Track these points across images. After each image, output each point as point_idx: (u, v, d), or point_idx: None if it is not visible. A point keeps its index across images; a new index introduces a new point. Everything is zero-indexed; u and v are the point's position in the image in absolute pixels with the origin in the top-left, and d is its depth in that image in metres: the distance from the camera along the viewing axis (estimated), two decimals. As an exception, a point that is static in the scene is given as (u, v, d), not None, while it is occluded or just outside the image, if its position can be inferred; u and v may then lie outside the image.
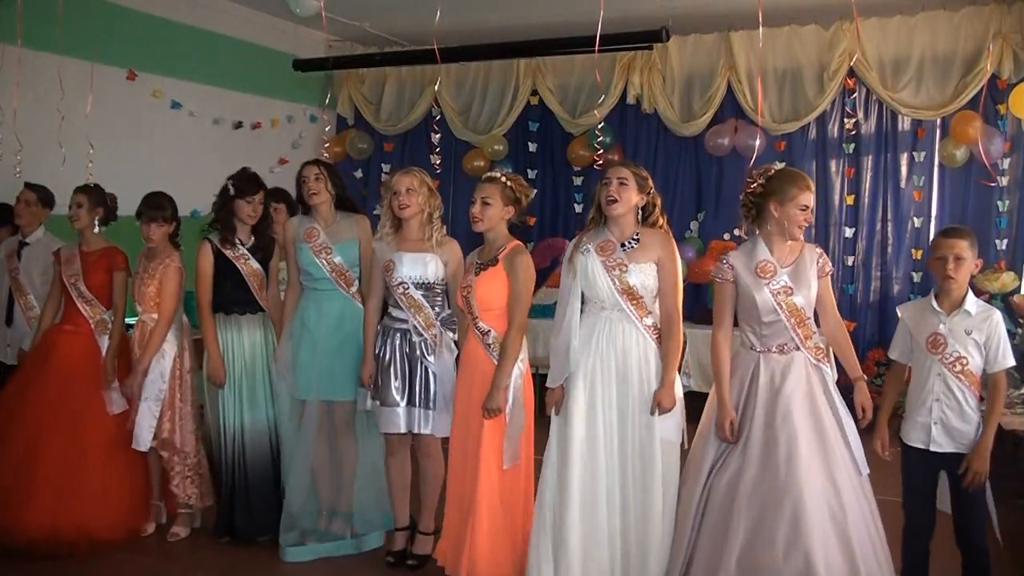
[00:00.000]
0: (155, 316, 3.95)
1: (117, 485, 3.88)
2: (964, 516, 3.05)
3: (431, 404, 3.58)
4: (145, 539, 4.02)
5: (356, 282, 3.89)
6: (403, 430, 3.60)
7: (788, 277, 3.06)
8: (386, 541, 3.93)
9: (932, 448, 3.03)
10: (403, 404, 3.57)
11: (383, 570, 3.74)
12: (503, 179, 3.42)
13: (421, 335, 3.59)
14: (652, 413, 3.10)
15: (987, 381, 3.06)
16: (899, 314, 3.24)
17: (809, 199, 3.05)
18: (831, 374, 3.11)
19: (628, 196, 3.18)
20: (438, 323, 3.62)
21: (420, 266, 3.60)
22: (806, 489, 2.84)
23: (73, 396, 3.90)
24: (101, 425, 3.91)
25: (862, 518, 2.92)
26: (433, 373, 3.58)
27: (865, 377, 3.14)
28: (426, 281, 3.60)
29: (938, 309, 3.06)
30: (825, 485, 2.88)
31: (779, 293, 3.04)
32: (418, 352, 3.58)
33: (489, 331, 3.37)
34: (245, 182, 3.93)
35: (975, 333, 3.00)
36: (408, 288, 3.59)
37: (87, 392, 3.93)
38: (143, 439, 3.89)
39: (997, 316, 3.04)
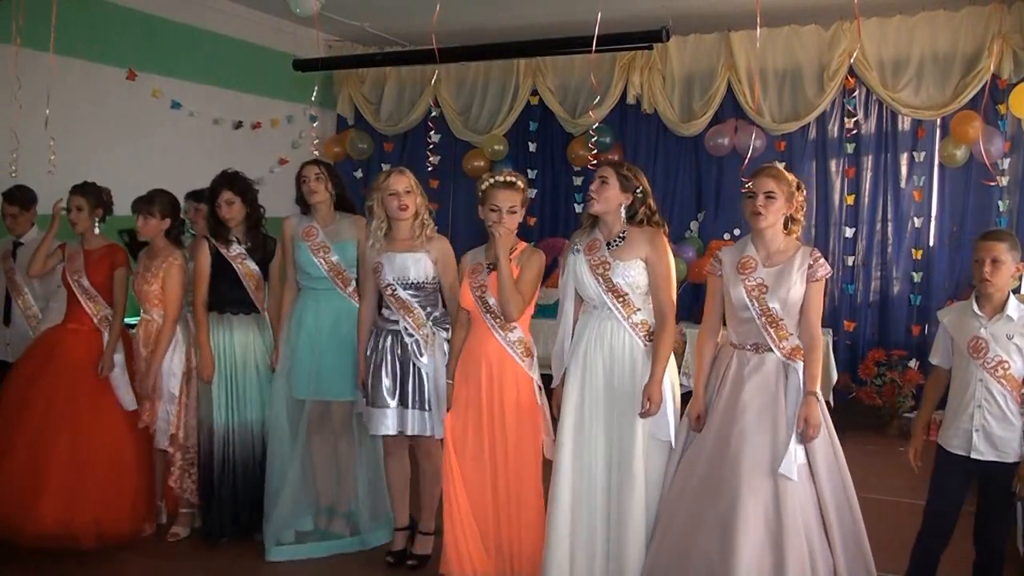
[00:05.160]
0: (160, 314, 3.99)
1: (124, 483, 3.88)
2: (991, 519, 3.05)
3: (425, 405, 3.57)
4: (145, 539, 4.02)
5: (353, 282, 3.88)
6: (392, 431, 3.59)
7: (768, 276, 3.00)
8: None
9: (973, 456, 3.00)
10: (394, 405, 3.56)
11: (383, 570, 3.74)
12: (522, 185, 3.39)
13: (412, 335, 3.57)
14: (641, 408, 3.06)
15: None
16: (939, 319, 3.21)
17: (756, 186, 3.01)
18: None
19: (608, 195, 3.18)
20: (429, 323, 3.60)
21: (409, 266, 3.56)
22: (744, 489, 2.81)
23: (80, 395, 3.89)
24: (108, 424, 3.92)
25: (803, 528, 2.83)
26: (426, 373, 3.57)
27: (820, 395, 2.91)
28: (416, 281, 3.58)
29: (979, 313, 3.03)
30: (766, 488, 2.82)
31: (752, 290, 3.00)
32: (410, 352, 3.57)
33: (515, 328, 3.36)
34: (211, 185, 3.95)
35: (1017, 338, 2.97)
36: (396, 289, 3.57)
37: (94, 391, 3.92)
38: (163, 438, 3.98)
39: None
